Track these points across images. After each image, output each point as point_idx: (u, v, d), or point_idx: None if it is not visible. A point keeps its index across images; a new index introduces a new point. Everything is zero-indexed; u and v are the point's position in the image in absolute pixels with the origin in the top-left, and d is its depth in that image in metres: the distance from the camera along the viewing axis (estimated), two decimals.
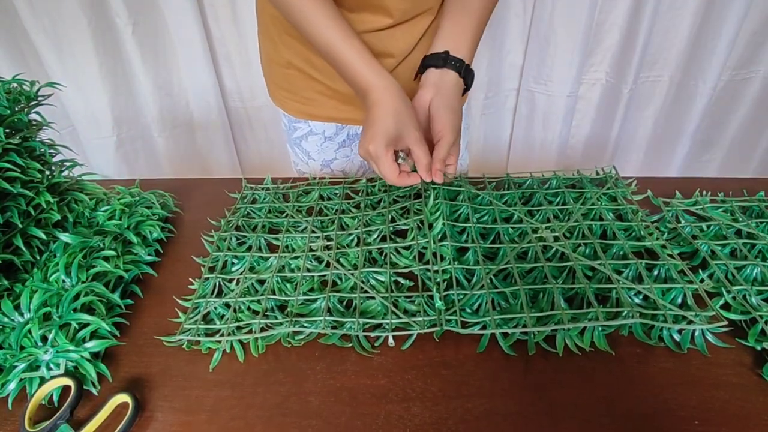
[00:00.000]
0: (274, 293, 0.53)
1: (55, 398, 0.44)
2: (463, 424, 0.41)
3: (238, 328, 0.50)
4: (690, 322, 0.47)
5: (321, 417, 0.42)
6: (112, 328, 0.49)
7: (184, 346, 0.49)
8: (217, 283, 0.55)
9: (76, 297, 0.49)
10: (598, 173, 0.70)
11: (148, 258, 0.59)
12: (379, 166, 0.57)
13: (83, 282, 0.50)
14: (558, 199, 0.65)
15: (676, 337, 0.47)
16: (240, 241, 0.62)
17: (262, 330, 0.49)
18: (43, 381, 0.44)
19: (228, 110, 1.40)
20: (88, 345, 0.47)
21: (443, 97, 0.61)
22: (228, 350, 0.48)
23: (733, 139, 1.42)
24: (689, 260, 0.56)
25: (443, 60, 0.62)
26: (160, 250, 0.62)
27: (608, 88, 1.31)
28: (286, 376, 0.46)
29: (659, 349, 0.46)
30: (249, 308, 0.52)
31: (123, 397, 0.43)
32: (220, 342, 0.48)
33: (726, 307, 0.49)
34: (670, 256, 0.54)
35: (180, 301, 0.54)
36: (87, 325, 0.47)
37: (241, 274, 0.56)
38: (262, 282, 0.55)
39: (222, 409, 0.43)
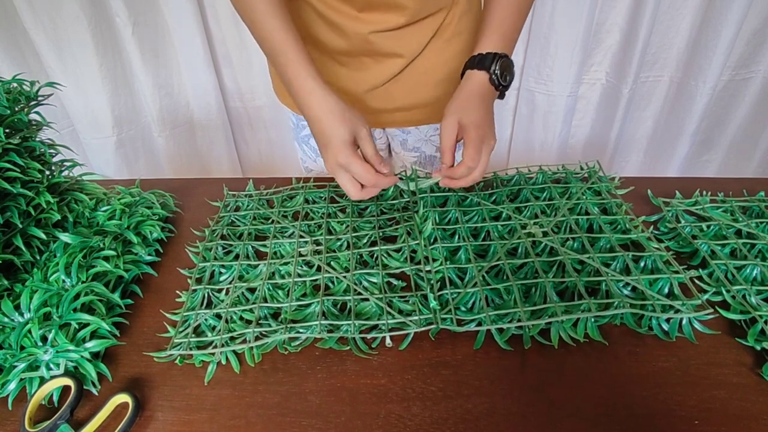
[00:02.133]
0: (266, 301, 0.52)
1: (55, 398, 0.44)
2: (462, 423, 0.41)
3: (232, 338, 0.48)
4: (677, 311, 0.47)
5: (321, 416, 0.42)
6: (112, 328, 0.49)
7: (176, 361, 0.47)
8: (206, 294, 0.54)
9: (76, 297, 0.49)
10: (582, 168, 0.70)
11: (148, 258, 0.59)
12: (354, 170, 0.54)
13: (83, 282, 0.51)
14: (545, 195, 0.65)
15: (665, 326, 0.48)
16: (226, 250, 0.61)
17: (257, 339, 0.48)
18: (43, 381, 0.44)
19: (228, 110, 1.40)
20: (88, 345, 0.47)
21: (457, 99, 0.59)
22: (223, 362, 0.47)
23: (733, 139, 1.42)
24: (689, 260, 0.56)
25: (470, 62, 0.60)
26: (160, 250, 0.62)
27: (608, 88, 1.31)
28: (286, 376, 0.46)
29: (658, 348, 0.46)
30: (241, 318, 0.51)
31: (123, 397, 0.43)
32: (213, 354, 0.47)
33: (725, 306, 0.49)
34: (656, 248, 0.55)
35: (168, 315, 0.52)
36: (87, 325, 0.47)
37: (230, 283, 0.55)
38: (252, 290, 0.54)
39: (222, 408, 0.43)
